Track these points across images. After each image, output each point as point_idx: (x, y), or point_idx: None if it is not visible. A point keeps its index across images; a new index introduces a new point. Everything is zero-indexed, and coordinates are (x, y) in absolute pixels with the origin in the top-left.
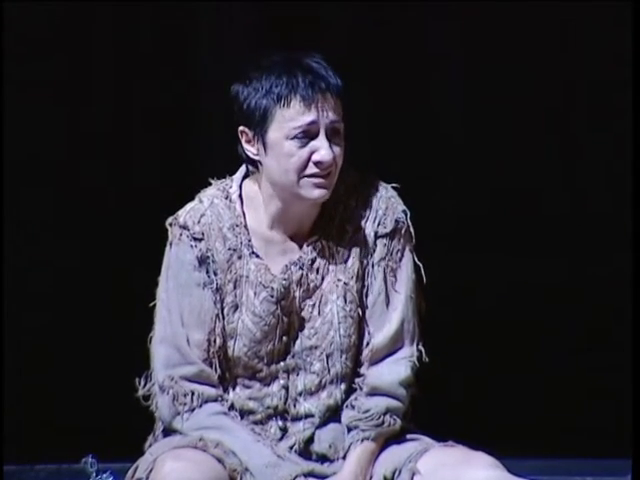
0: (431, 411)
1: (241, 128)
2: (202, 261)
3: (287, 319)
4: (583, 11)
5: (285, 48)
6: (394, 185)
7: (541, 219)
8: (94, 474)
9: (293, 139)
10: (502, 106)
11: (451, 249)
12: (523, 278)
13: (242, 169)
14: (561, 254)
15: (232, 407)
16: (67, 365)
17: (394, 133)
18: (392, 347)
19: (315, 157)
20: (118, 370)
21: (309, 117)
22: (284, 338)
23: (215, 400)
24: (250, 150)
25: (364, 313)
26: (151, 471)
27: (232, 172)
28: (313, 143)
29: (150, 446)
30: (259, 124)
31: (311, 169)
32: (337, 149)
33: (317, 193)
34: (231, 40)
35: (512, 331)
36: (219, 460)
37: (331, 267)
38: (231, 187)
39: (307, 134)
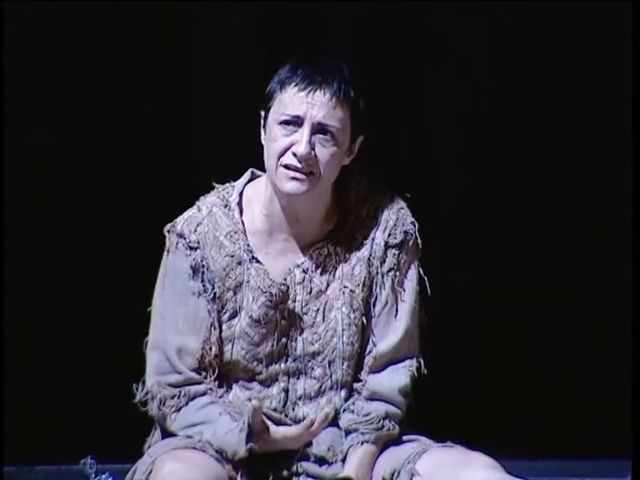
0: (430, 411)
1: (261, 112)
2: (196, 270)
3: (286, 321)
4: (581, 12)
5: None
6: (405, 195)
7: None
8: (93, 475)
9: (280, 124)
10: (501, 106)
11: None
12: (524, 279)
13: (247, 174)
14: (558, 255)
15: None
16: (67, 365)
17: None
18: (394, 356)
19: (293, 148)
20: (118, 371)
21: (298, 107)
22: (283, 340)
23: (204, 394)
24: (262, 134)
25: (369, 321)
26: (150, 472)
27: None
28: (296, 135)
29: (149, 447)
30: (266, 106)
31: (288, 158)
32: (323, 151)
33: (289, 186)
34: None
35: (512, 331)
36: (218, 461)
37: (337, 273)
38: (231, 195)
39: (294, 123)
